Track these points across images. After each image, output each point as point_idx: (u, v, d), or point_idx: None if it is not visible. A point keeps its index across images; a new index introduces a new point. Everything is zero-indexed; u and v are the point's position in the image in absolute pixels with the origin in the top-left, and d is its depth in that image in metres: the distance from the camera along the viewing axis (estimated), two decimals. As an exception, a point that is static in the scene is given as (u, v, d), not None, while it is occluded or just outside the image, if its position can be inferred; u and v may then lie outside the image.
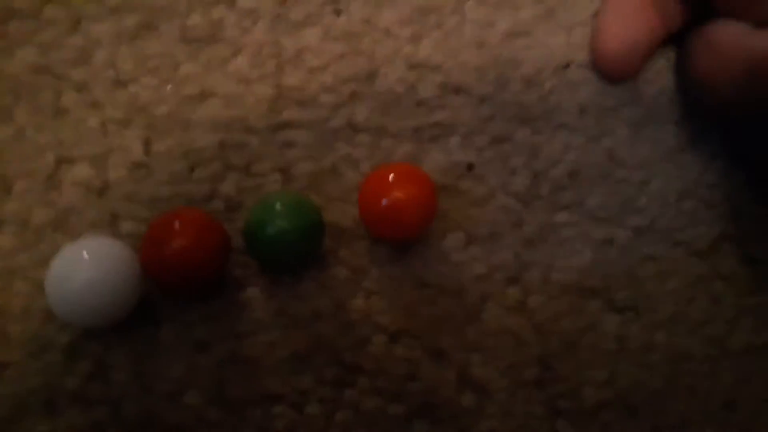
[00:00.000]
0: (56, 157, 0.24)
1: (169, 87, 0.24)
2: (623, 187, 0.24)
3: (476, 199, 0.23)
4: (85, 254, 0.20)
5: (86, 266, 0.20)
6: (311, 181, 0.24)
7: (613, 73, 0.20)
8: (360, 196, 0.22)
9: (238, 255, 0.22)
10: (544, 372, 0.21)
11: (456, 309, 0.22)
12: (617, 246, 0.23)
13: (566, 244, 0.23)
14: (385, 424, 0.21)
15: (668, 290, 0.23)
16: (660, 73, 0.25)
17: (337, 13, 0.26)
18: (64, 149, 0.24)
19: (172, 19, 0.25)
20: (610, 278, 0.22)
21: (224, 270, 0.22)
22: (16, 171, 0.24)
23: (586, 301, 0.22)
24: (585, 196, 0.24)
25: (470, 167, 0.24)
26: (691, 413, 0.22)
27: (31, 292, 0.22)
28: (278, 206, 0.21)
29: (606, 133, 0.25)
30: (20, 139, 0.24)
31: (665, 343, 0.22)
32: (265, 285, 0.22)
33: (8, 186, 0.23)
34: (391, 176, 0.22)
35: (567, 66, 0.25)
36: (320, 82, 0.25)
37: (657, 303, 0.23)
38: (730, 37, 0.19)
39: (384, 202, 0.21)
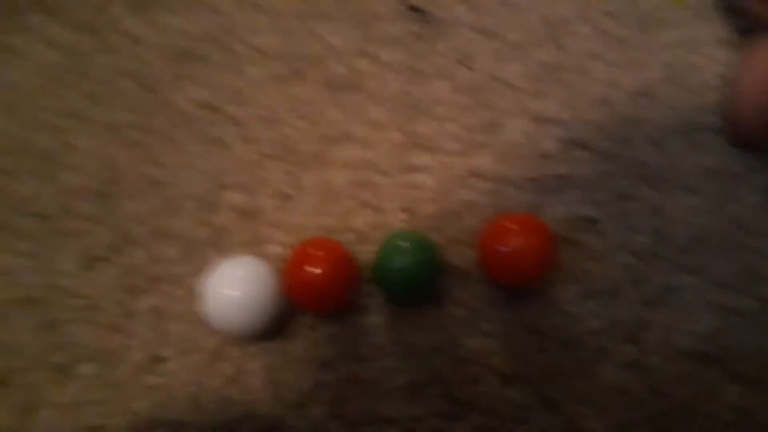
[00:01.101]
0: (216, 183, 0.27)
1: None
2: (750, 255, 0.24)
3: (596, 254, 0.24)
4: (239, 272, 0.23)
5: (239, 282, 0.23)
6: (434, 223, 0.25)
7: (747, 140, 0.20)
8: (480, 240, 0.23)
9: (366, 284, 0.24)
10: (655, 433, 0.21)
11: (569, 361, 0.23)
12: (741, 314, 0.23)
13: (687, 307, 0.23)
14: (491, 460, 0.22)
15: (795, 365, 0.22)
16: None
17: (468, 68, 0.28)
18: (224, 177, 0.28)
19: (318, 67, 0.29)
20: (732, 347, 0.22)
21: (354, 296, 0.24)
22: (183, 193, 0.28)
23: (706, 367, 0.22)
24: (709, 260, 0.24)
25: (593, 222, 0.25)
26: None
27: (187, 298, 0.25)
28: (404, 243, 0.23)
29: (733, 199, 0.24)
30: (187, 165, 0.28)
31: (788, 420, 0.22)
32: (388, 315, 0.24)
33: (175, 205, 0.27)
34: (511, 224, 0.23)
35: (694, 129, 0.25)
36: (448, 131, 0.27)
37: (782, 378, 0.22)
38: None
39: (503, 249, 0.22)
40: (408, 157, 0.27)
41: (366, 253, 0.25)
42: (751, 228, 0.24)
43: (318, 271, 0.23)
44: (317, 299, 0.23)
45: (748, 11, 0.25)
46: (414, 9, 0.25)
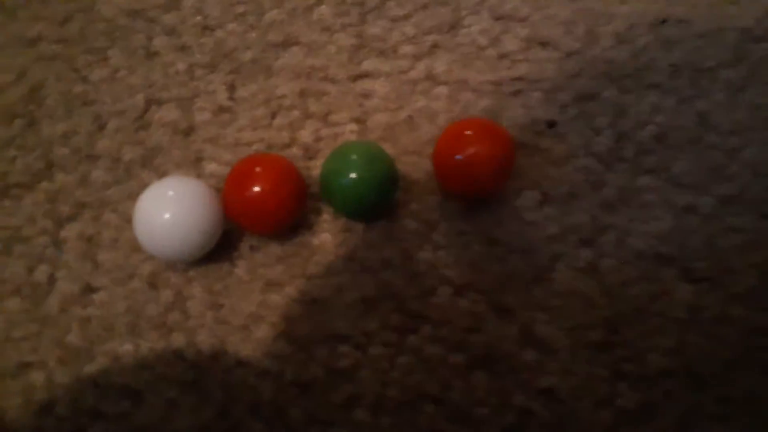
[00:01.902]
0: (146, 98, 0.25)
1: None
2: (713, 154, 0.23)
3: (556, 158, 0.23)
4: (170, 192, 0.21)
5: (171, 203, 0.21)
6: (387, 132, 0.24)
7: None
8: (435, 149, 0.22)
9: (314, 201, 0.23)
10: (610, 335, 0.21)
11: (524, 268, 0.22)
12: (700, 214, 0.22)
13: (646, 209, 0.22)
14: (445, 371, 0.21)
15: (750, 263, 0.22)
16: None
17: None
18: (154, 91, 0.25)
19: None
20: (689, 247, 0.22)
21: (300, 214, 0.22)
22: (109, 110, 0.25)
23: (661, 268, 0.21)
24: (671, 160, 0.23)
25: (552, 124, 0.23)
26: (763, 389, 0.21)
27: (119, 224, 0.24)
28: (353, 156, 0.21)
29: (700, 95, 0.23)
30: (113, 80, 0.25)
31: (741, 317, 0.21)
32: (338, 231, 0.23)
33: (102, 124, 0.25)
34: (467, 131, 0.21)
35: (663, 22, 0.24)
36: (402, 32, 0.24)
37: (736, 275, 0.22)
38: None
39: (458, 157, 0.21)
40: (358, 62, 0.24)
41: (314, 168, 0.23)
42: (716, 125, 0.23)
43: (260, 189, 0.21)
44: (260, 219, 0.21)
45: None
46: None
